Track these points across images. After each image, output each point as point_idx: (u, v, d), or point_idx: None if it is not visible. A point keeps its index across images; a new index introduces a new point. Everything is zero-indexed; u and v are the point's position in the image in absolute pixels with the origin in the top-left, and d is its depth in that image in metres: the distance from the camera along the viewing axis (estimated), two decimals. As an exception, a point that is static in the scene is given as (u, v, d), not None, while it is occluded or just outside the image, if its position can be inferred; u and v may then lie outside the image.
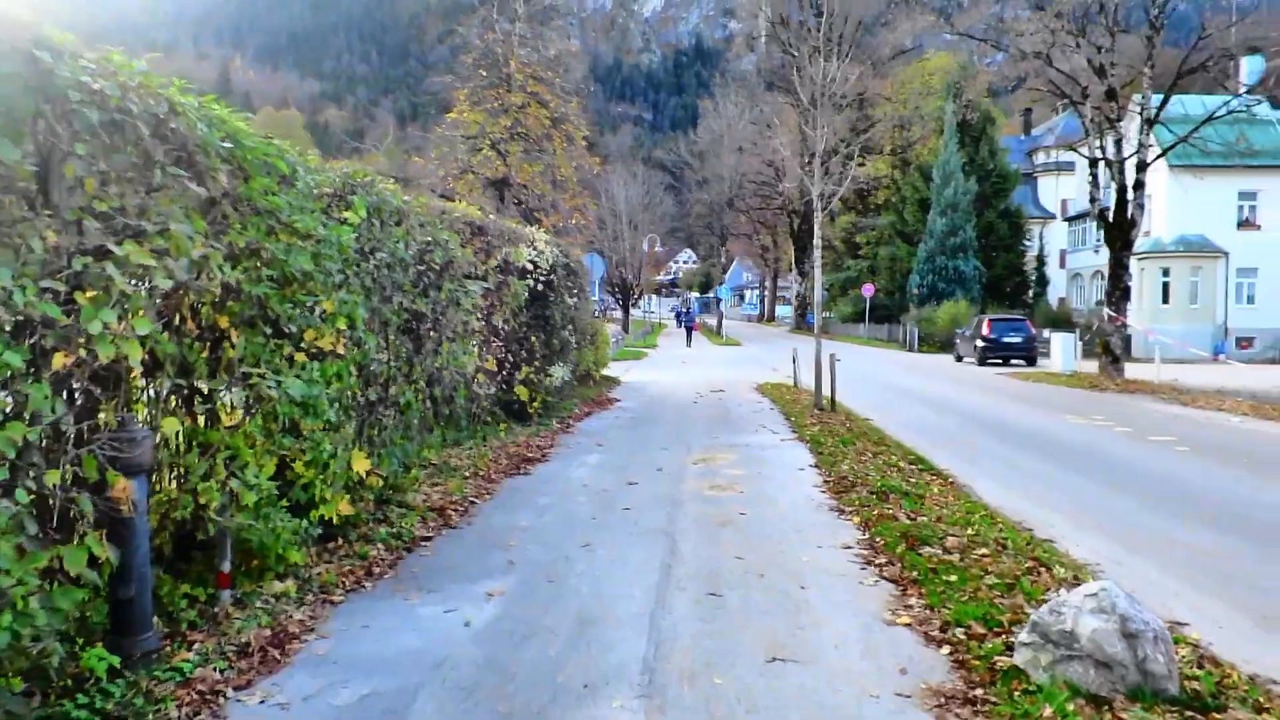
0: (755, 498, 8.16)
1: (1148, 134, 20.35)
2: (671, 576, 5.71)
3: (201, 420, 4.88)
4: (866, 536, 6.75)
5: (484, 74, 21.95)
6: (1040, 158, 67.09)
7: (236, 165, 4.55)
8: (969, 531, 6.83)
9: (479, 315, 9.55)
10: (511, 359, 11.82)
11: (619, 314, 64.50)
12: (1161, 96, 20.37)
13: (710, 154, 64.83)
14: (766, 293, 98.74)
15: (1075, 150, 25.72)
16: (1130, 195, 20.75)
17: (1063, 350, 23.64)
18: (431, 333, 7.92)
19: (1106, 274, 44.24)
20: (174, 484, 4.63)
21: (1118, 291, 21.22)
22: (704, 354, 37.00)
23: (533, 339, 12.29)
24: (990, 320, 29.92)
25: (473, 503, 7.80)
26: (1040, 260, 52.26)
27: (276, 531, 4.91)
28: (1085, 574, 5.99)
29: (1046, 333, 33.34)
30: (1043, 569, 6.01)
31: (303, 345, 5.30)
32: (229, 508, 4.70)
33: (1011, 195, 51.53)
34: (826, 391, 15.36)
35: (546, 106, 22.33)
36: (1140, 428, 13.96)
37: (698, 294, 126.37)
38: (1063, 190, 63.08)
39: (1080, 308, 49.21)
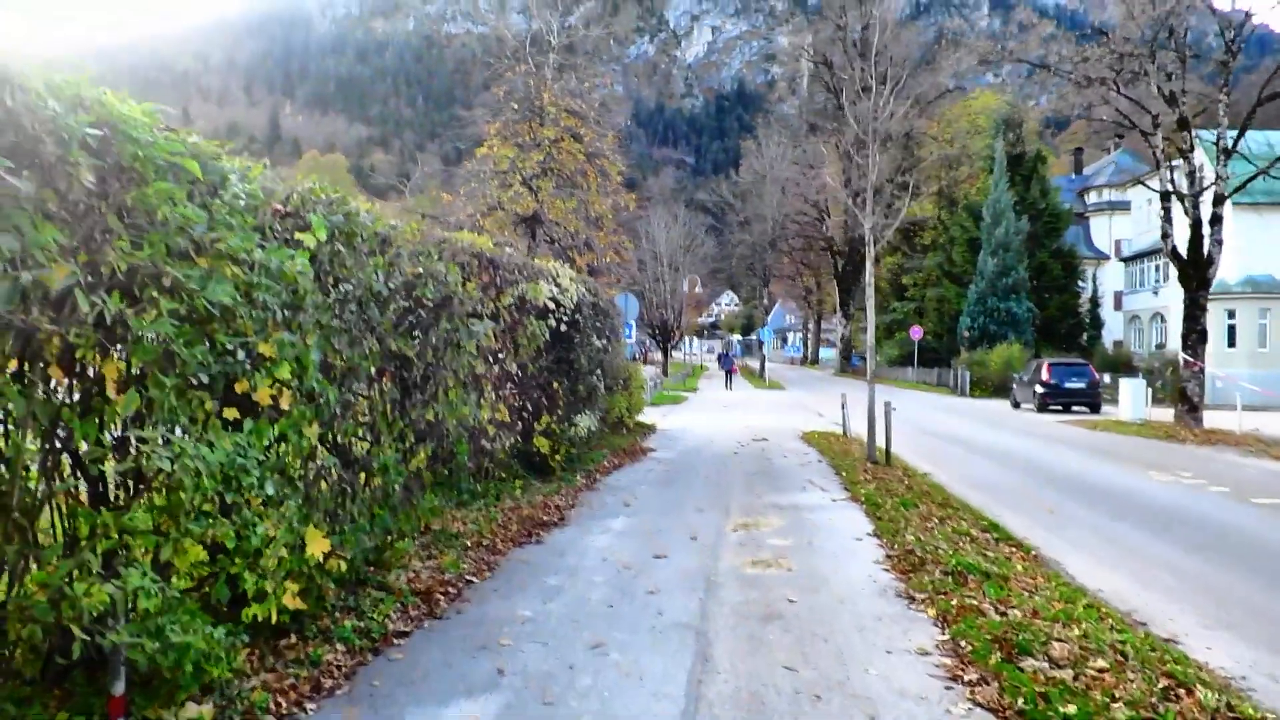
0: (806, 578, 6.85)
1: (1224, 164, 18.87)
2: (702, 699, 4.43)
3: (82, 498, 3.73)
4: (948, 638, 5.40)
5: (515, 107, 21.10)
6: (1092, 198, 65.23)
7: (118, 163, 3.42)
8: (1075, 632, 5.46)
9: (487, 359, 8.40)
10: (530, 407, 10.64)
11: (659, 356, 63.44)
12: (1239, 126, 18.89)
13: (752, 194, 63.81)
14: (810, 335, 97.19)
15: (1144, 184, 24.21)
16: (1206, 230, 19.21)
17: (1132, 396, 21.97)
18: (423, 381, 6.77)
19: (1181, 315, 42.51)
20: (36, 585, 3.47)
21: (1194, 334, 19.61)
22: (745, 398, 35.62)
23: (555, 385, 11.12)
24: (1050, 364, 28.27)
25: (469, 582, 6.57)
26: (1094, 302, 50.36)
27: (179, 645, 3.71)
28: (1236, 697, 4.63)
29: (1106, 377, 31.60)
30: (1181, 690, 4.64)
31: (233, 400, 4.16)
32: (118, 614, 3.54)
33: (1064, 235, 49.84)
34: (880, 442, 13.99)
35: (580, 141, 21.40)
36: (1238, 486, 12.40)
37: (739, 336, 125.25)
38: (1116, 231, 61.11)
39: (1140, 351, 47.12)
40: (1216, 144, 18.81)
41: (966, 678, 4.71)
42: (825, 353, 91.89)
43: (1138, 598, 6.79)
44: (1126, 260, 53.35)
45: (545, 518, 8.96)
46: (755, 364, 64.41)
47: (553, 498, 9.93)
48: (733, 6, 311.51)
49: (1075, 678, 4.68)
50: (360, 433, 5.73)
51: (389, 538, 6.30)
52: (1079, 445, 18.01)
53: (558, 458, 11.30)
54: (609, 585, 6.59)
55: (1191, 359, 19.42)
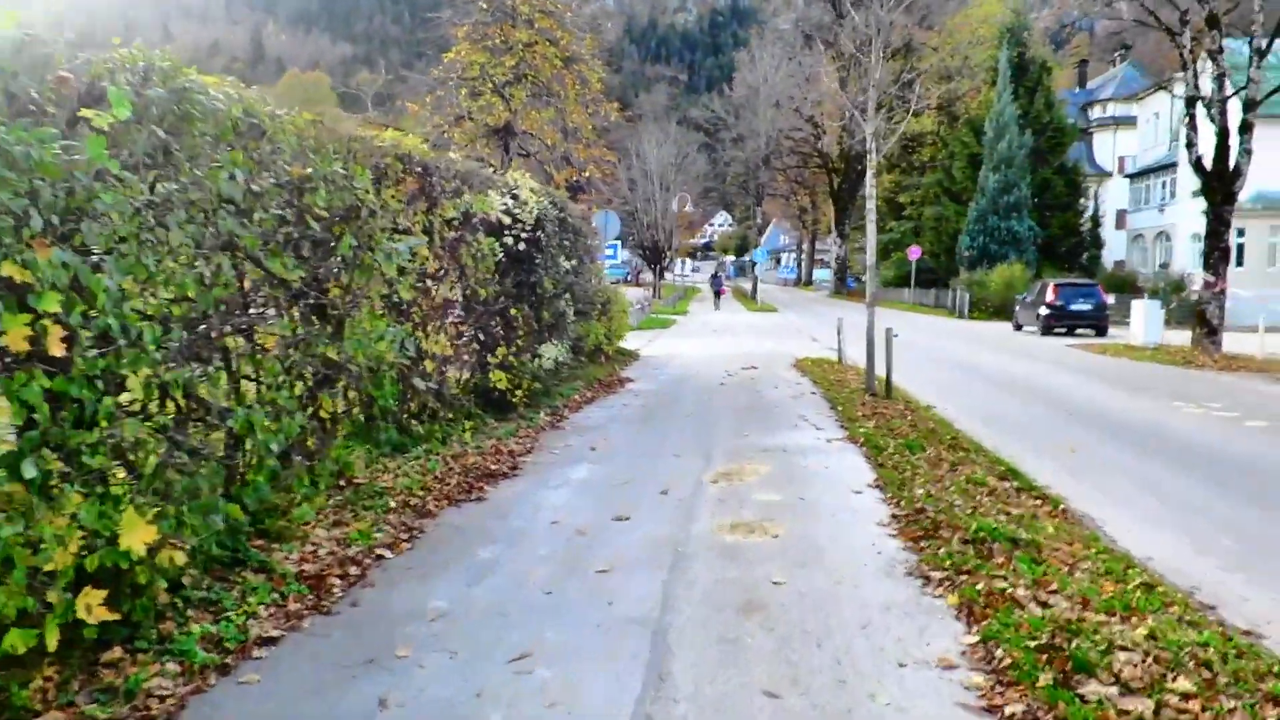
0: (796, 547, 5.63)
1: (1258, 66, 17.25)
2: (649, 750, 3.22)
3: None
4: (977, 639, 4.18)
5: (484, 6, 19.30)
6: (1096, 112, 63.07)
7: None
8: (1139, 632, 4.24)
9: (421, 284, 7.05)
10: (484, 338, 9.32)
11: (650, 277, 61.94)
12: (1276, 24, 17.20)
13: (746, 109, 61.52)
14: (804, 256, 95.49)
15: (1165, 89, 22.54)
16: (1235, 141, 17.68)
17: (1145, 319, 20.67)
18: (320, 311, 5.44)
19: (1187, 234, 41.04)
20: None
21: (1217, 252, 18.23)
22: (736, 321, 34.34)
23: (514, 312, 9.79)
24: (1056, 285, 26.95)
25: (380, 557, 5.34)
26: (1095, 221, 48.66)
27: None
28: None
29: (1111, 298, 30.30)
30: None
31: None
32: None
33: (1068, 151, 47.96)
34: (880, 372, 12.73)
35: (556, 45, 19.66)
36: (1276, 420, 11.20)
37: (733, 257, 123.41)
38: (1120, 147, 59.15)
39: (1145, 271, 45.74)
40: (1250, 43, 17.18)
41: (1009, 711, 3.49)
42: (820, 274, 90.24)
43: (1195, 567, 5.60)
44: (1132, 177, 51.65)
45: (495, 466, 7.72)
46: (749, 286, 62.89)
47: (508, 441, 8.68)
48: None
49: (1156, 711, 3.47)
50: (220, 380, 4.42)
51: (283, 502, 5.06)
52: (1091, 372, 16.80)
53: (519, 393, 10.03)
54: (554, 560, 5.37)
55: (1214, 278, 18.09)
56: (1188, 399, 12.95)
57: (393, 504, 6.28)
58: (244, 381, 5.08)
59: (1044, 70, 47.68)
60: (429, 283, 7.64)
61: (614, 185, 61.18)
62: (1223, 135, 17.78)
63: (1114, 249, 51.69)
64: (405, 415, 7.93)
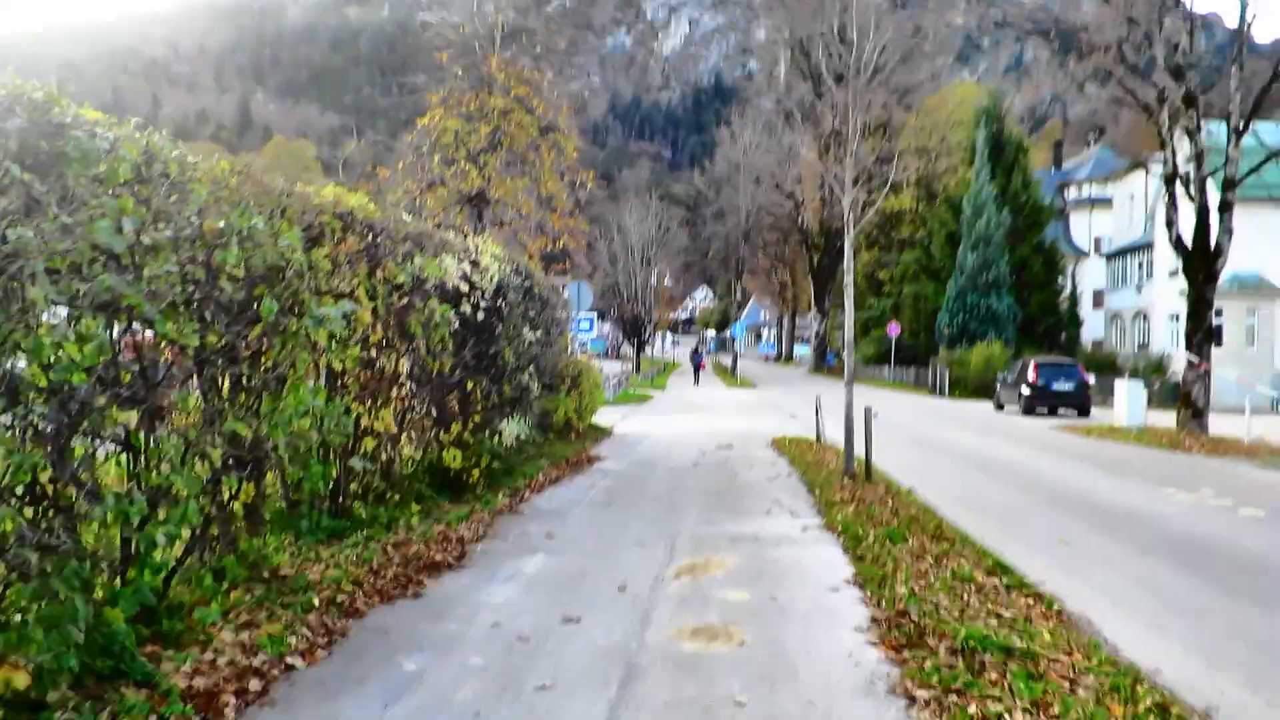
0: (764, 659, 4.98)
1: (1236, 145, 17.19)
2: None
3: None
4: (972, 784, 3.55)
5: (460, 74, 19.11)
6: (1072, 193, 63.99)
7: None
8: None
9: (354, 353, 6.46)
10: (436, 413, 8.72)
11: (631, 351, 61.63)
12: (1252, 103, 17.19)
13: (726, 184, 62.06)
14: (784, 332, 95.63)
15: (1145, 167, 22.53)
16: (1215, 218, 17.53)
17: (1129, 400, 20.28)
18: (233, 382, 4.84)
19: (1165, 314, 41.08)
20: None
21: (1200, 332, 17.93)
22: (715, 397, 33.84)
23: (471, 385, 9.20)
24: (1037, 364, 26.65)
25: (291, 667, 4.65)
26: (1073, 300, 48.85)
27: None
28: None
29: (1090, 377, 30.02)
30: None
31: None
32: None
33: (1045, 230, 48.37)
34: (859, 452, 12.17)
35: (532, 113, 19.43)
36: (1274, 509, 10.68)
37: (714, 331, 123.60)
38: (1096, 227, 59.96)
39: (1124, 351, 45.77)
40: (1228, 122, 17.14)
41: None
42: (800, 349, 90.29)
43: (1210, 683, 4.98)
44: (1109, 257, 52.09)
45: (440, 556, 7.03)
46: (730, 360, 62.60)
47: (457, 527, 7.99)
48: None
49: None
50: (98, 462, 3.80)
51: (189, 600, 4.40)
52: (1077, 455, 16.31)
53: (476, 473, 9.39)
54: (488, 673, 4.69)
55: (1198, 359, 17.75)
56: (1178, 484, 12.43)
57: (316, 601, 5.58)
58: (141, 462, 4.47)
59: (1020, 150, 48.34)
60: (372, 352, 7.05)
61: (595, 258, 61.41)
62: (1202, 214, 17.64)
63: (1092, 328, 51.84)
64: (343, 498, 7.27)
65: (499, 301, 9.45)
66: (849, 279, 12.04)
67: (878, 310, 55.77)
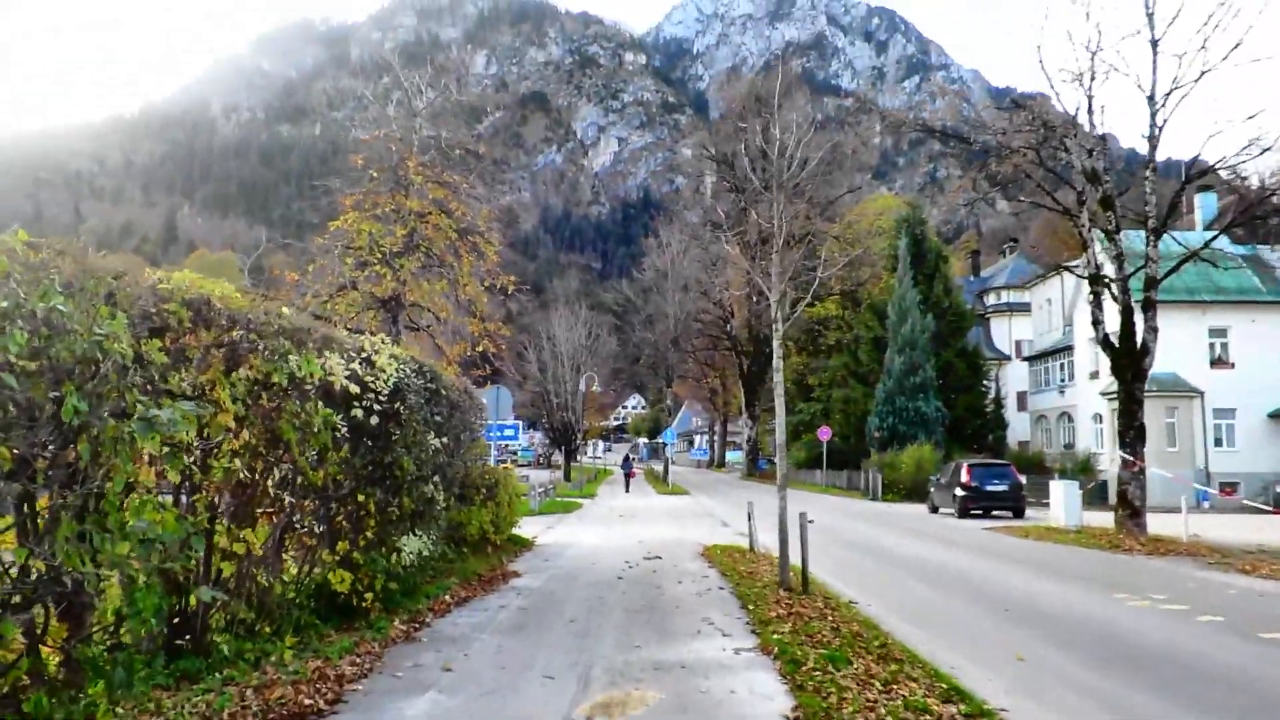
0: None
1: (1155, 245, 17.34)
2: None
3: None
4: None
5: (375, 175, 18.49)
6: (991, 299, 65.63)
7: None
8: None
9: (194, 460, 5.52)
10: (318, 530, 7.71)
11: (561, 459, 60.41)
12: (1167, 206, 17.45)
13: (654, 291, 62.30)
14: (716, 437, 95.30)
15: (1069, 270, 22.74)
16: (1139, 318, 17.53)
17: (1065, 500, 19.89)
18: (24, 500, 3.88)
19: (1089, 414, 41.54)
20: None
21: (1132, 430, 17.70)
22: (646, 504, 32.80)
23: (362, 498, 8.21)
24: (970, 465, 26.33)
25: None
26: (998, 403, 49.36)
27: None
28: None
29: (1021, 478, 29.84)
30: None
31: None
32: None
33: (968, 335, 49.16)
34: (795, 560, 11.35)
35: (451, 215, 18.84)
36: (1228, 614, 10.08)
37: (646, 439, 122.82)
38: (1016, 332, 61.40)
39: (1051, 450, 46.15)
40: (1145, 224, 17.32)
41: None
42: (732, 455, 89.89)
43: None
44: (1030, 359, 53.10)
45: (310, 700, 5.95)
46: (661, 467, 61.66)
47: (339, 662, 6.91)
48: (638, 119, 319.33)
49: None
50: None
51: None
52: (1018, 559, 15.70)
53: (369, 596, 8.31)
54: None
55: (1131, 457, 17.47)
56: (1127, 589, 11.82)
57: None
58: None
59: (940, 258, 49.44)
60: (235, 462, 6.09)
61: (525, 367, 60.69)
62: (1127, 313, 17.65)
63: (1017, 429, 52.37)
64: (199, 633, 6.19)
65: (396, 405, 8.55)
66: (778, 377, 11.42)
67: (807, 414, 55.72)
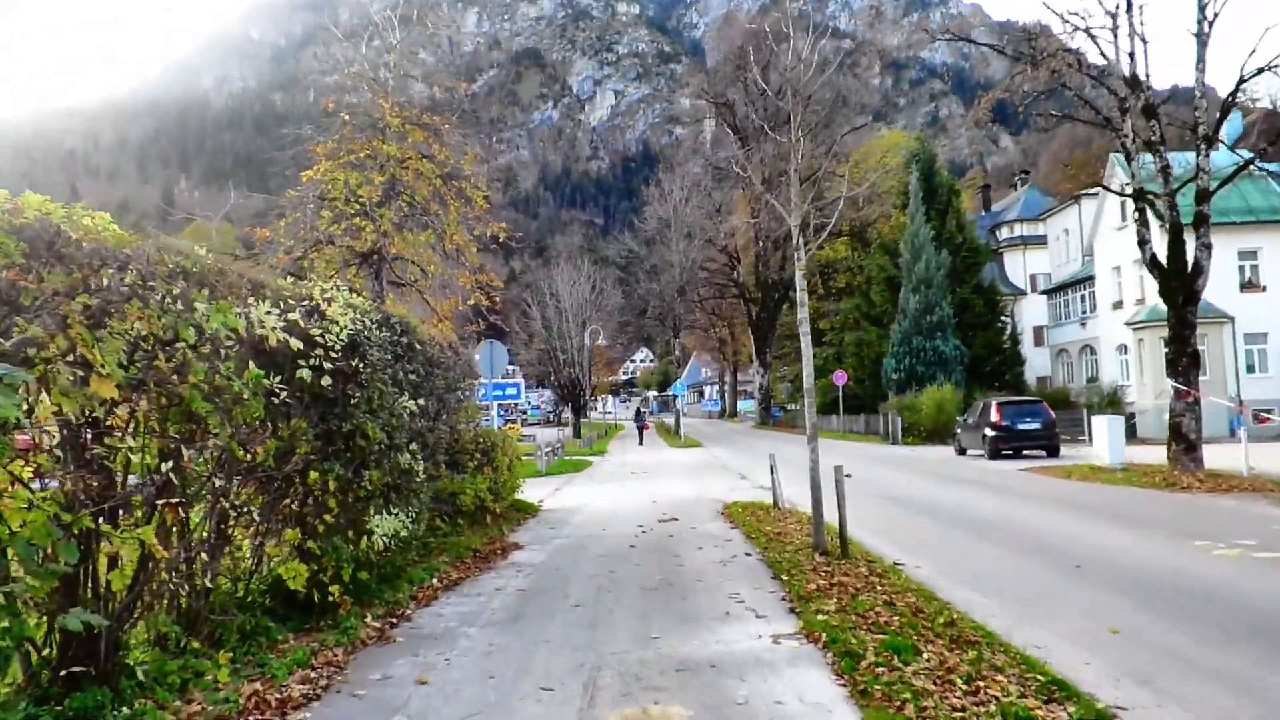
0: None
1: (1206, 155, 15.73)
2: None
3: None
4: None
5: (347, 118, 16.89)
6: (1004, 233, 63.64)
7: None
8: None
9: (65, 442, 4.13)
10: (259, 516, 6.36)
11: (570, 416, 59.26)
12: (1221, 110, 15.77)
13: (658, 241, 60.58)
14: (726, 388, 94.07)
15: (1106, 189, 21.10)
16: (1192, 236, 15.95)
17: (1110, 437, 18.43)
18: None
19: (1112, 344, 40.03)
20: None
21: (1185, 358, 16.23)
22: (659, 459, 31.55)
23: (317, 475, 6.85)
24: (1000, 405, 24.90)
25: None
26: (1014, 339, 47.74)
27: None
28: None
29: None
30: None
31: None
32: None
33: (983, 271, 47.43)
34: (829, 518, 10.03)
35: (433, 160, 17.29)
36: (1338, 561, 8.73)
37: (656, 392, 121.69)
38: (1031, 265, 59.52)
39: (1075, 385, 44.65)
40: (1195, 130, 15.69)
41: None
42: (744, 405, 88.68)
43: None
44: (1049, 293, 51.41)
45: (243, 736, 4.65)
46: (673, 420, 60.45)
47: (284, 681, 5.57)
48: (634, 71, 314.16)
49: None
50: None
51: None
52: (1069, 503, 14.34)
53: (334, 590, 7.00)
54: None
55: (1185, 387, 16.02)
56: (1207, 535, 10.45)
57: None
58: None
59: (953, 193, 47.60)
60: (127, 441, 4.72)
61: (530, 325, 59.22)
62: (1176, 231, 16.10)
63: (1034, 365, 50.82)
64: (93, 661, 4.87)
65: (355, 362, 7.16)
66: (803, 313, 9.98)
67: (820, 359, 54.16)
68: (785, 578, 8.46)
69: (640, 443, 45.33)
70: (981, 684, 5.18)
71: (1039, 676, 5.32)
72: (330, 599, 7.09)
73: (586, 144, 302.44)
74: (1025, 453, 24.51)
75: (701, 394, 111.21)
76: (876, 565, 9.03)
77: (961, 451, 27.17)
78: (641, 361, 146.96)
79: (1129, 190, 17.48)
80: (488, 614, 7.60)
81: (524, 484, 16.72)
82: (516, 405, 61.68)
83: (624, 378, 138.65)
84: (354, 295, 7.73)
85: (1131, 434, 29.67)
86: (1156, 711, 4.90)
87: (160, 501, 4.93)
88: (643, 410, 58.00)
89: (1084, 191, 46.11)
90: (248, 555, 6.99)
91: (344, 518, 7.27)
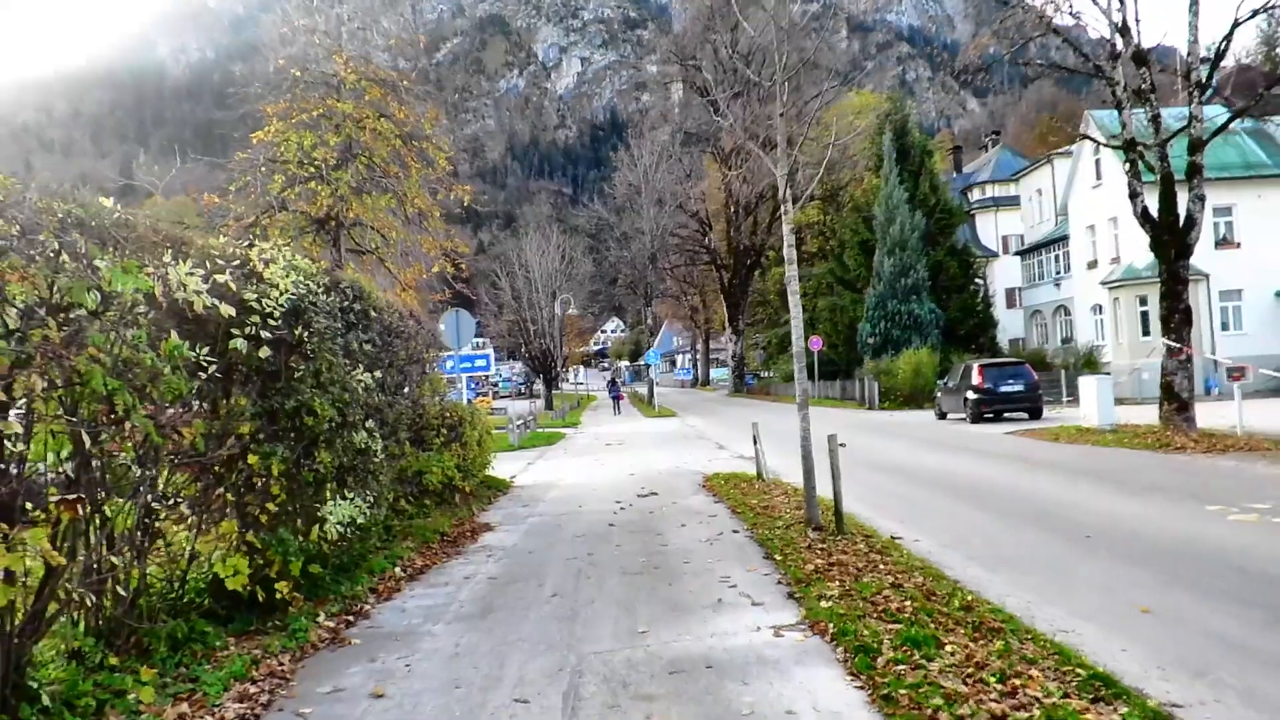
0: None
1: (1199, 102, 15.13)
2: None
3: None
4: None
5: (299, 74, 15.89)
6: (975, 195, 63.28)
7: None
8: None
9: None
10: (189, 509, 5.59)
11: (543, 388, 58.50)
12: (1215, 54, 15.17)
13: (629, 208, 59.54)
14: (699, 356, 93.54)
15: (1091, 139, 20.51)
16: (1185, 188, 15.38)
17: (1099, 397, 17.94)
18: None
19: (1086, 306, 39.78)
20: None
21: (1176, 315, 15.73)
22: (633, 430, 30.88)
23: (255, 460, 6.08)
24: (982, 367, 24.42)
25: None
26: (986, 301, 47.39)
27: None
28: None
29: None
30: None
31: None
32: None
33: (957, 232, 46.94)
34: (822, 491, 9.40)
35: (391, 119, 16.37)
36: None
37: (628, 362, 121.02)
38: (1003, 227, 59.27)
39: (1050, 346, 44.44)
40: (1187, 77, 15.08)
41: None
42: (717, 373, 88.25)
43: None
44: (1022, 254, 51.15)
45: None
46: (645, 390, 59.86)
47: (216, 701, 4.82)
48: (600, 38, 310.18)
49: None
50: None
51: None
52: (1062, 467, 13.83)
53: (282, 586, 6.25)
54: None
55: (1177, 344, 15.53)
56: (1216, 499, 9.93)
57: None
58: None
59: (925, 153, 46.89)
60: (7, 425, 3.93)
61: (499, 296, 58.13)
62: (1168, 182, 15.52)
63: (1007, 327, 50.60)
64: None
65: (298, 331, 6.38)
66: (791, 270, 9.30)
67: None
68: (779, 557, 7.81)
69: (616, 412, 44.86)
70: (1017, 682, 4.54)
71: (1078, 670, 4.70)
72: (279, 596, 6.36)
73: (554, 112, 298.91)
74: (1006, 415, 24.09)
75: (674, 363, 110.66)
76: (875, 540, 8.41)
77: (942, 415, 26.73)
78: (613, 331, 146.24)
79: (1115, 143, 16.86)
80: (455, 607, 6.89)
81: (495, 459, 16.00)
82: (487, 378, 60.83)
83: (596, 348, 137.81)
84: (300, 258, 6.90)
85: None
86: (1219, 710, 4.29)
87: (56, 499, 4.15)
88: (617, 381, 57.36)
89: (1058, 151, 45.74)
90: (184, 552, 6.23)
91: (292, 505, 6.51)
